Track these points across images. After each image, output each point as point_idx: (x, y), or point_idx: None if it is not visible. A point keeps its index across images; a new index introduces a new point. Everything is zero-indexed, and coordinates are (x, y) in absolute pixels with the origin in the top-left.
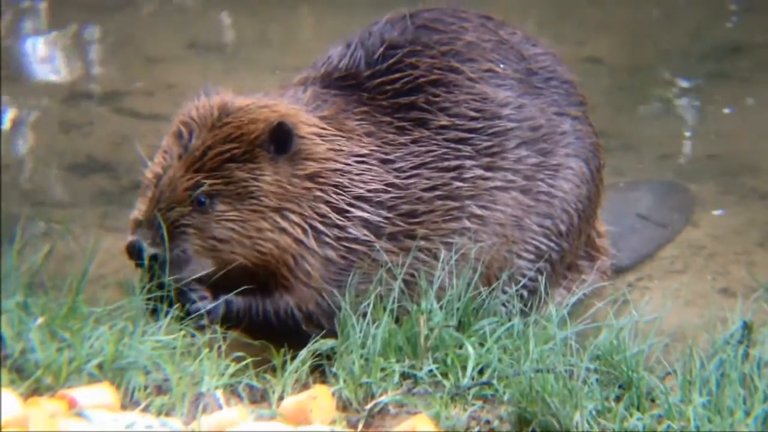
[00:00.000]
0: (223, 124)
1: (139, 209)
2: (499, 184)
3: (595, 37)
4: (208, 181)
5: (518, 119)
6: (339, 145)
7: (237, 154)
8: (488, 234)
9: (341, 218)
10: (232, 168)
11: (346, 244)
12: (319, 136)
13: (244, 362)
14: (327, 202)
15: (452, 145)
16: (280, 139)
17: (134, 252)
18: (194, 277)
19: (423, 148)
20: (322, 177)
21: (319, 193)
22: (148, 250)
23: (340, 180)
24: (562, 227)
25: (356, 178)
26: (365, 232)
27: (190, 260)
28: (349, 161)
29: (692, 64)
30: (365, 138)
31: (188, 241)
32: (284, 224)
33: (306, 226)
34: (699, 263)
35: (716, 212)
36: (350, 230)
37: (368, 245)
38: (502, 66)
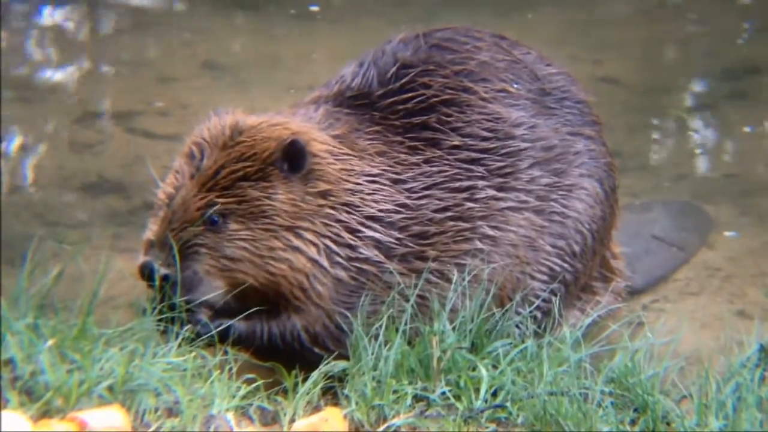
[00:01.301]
0: (235, 143)
1: (151, 230)
2: (511, 204)
3: (611, 57)
4: (221, 201)
5: (531, 139)
6: (351, 164)
7: (250, 173)
8: (500, 255)
9: (353, 238)
10: (245, 187)
11: (357, 265)
12: (332, 154)
13: (255, 384)
14: (339, 221)
15: (464, 166)
16: (293, 157)
17: (146, 273)
18: (205, 298)
19: (435, 168)
20: (334, 196)
21: (331, 212)
22: (160, 271)
23: (352, 199)
24: (576, 248)
25: (368, 197)
26: (376, 252)
27: (202, 281)
28: (360, 180)
29: (708, 83)
30: (377, 158)
31: (200, 262)
32: (297, 243)
33: (320, 245)
34: (715, 285)
35: (731, 233)
36: (361, 250)
37: (379, 266)
38: (515, 86)
